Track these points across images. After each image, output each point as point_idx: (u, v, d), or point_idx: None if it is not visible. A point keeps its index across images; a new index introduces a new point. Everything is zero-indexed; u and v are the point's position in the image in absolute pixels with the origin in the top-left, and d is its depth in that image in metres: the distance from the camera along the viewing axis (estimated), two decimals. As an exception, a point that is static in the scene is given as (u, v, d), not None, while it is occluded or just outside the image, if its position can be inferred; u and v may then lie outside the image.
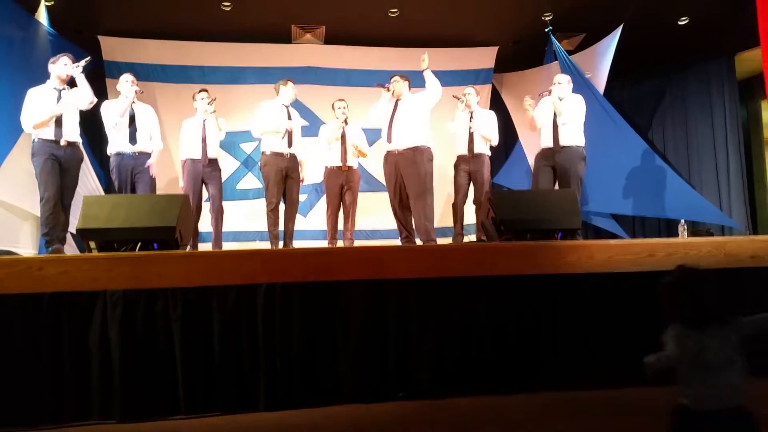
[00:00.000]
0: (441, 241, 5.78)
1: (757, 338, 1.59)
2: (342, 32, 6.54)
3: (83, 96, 4.40)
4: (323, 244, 5.49)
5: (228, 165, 6.46)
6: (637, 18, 5.87)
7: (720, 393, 1.55)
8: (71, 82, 4.43)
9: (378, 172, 6.45)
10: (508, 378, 2.68)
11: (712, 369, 1.55)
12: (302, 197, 5.87)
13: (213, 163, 5.15)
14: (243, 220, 6.42)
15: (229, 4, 5.77)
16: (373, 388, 2.59)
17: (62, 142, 4.30)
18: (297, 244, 5.22)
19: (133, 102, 4.81)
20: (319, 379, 2.58)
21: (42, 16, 5.44)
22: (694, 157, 7.34)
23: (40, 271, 2.44)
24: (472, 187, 5.34)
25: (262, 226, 5.67)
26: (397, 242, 5.23)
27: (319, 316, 2.61)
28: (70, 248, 4.85)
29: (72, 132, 4.39)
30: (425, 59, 4.80)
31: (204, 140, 5.08)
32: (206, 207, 5.24)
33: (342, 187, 5.28)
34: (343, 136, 5.28)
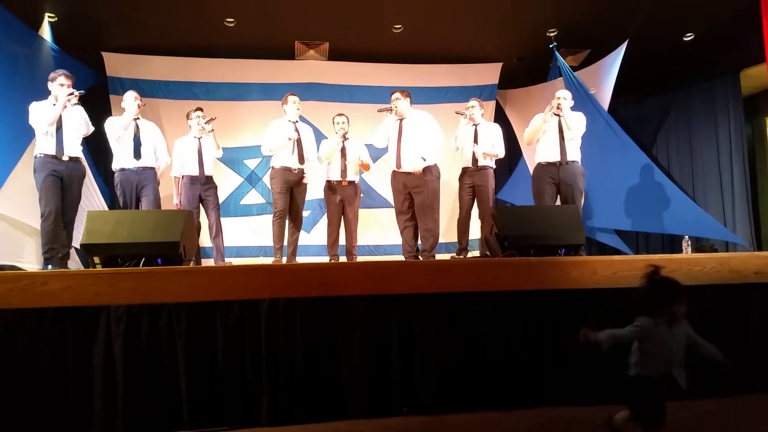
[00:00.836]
0: (444, 256, 5.77)
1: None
2: (346, 48, 6.59)
3: (80, 125, 4.43)
4: (326, 259, 5.49)
5: (232, 181, 6.49)
6: (642, 34, 5.90)
7: (658, 367, 2.06)
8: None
9: (381, 187, 6.47)
10: (512, 393, 2.66)
11: (660, 357, 2.06)
12: (305, 213, 5.88)
13: (209, 181, 5.23)
14: (247, 236, 6.44)
15: (232, 20, 5.83)
16: (375, 404, 2.58)
17: (64, 158, 4.31)
18: (300, 259, 5.23)
19: (137, 118, 4.86)
20: (322, 394, 2.57)
21: (45, 32, 5.50)
22: (698, 173, 7.34)
23: (44, 286, 2.44)
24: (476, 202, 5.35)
25: (266, 241, 5.69)
26: (401, 258, 5.22)
27: (322, 332, 2.60)
28: (74, 263, 4.86)
29: (73, 147, 4.41)
30: None
31: (201, 158, 5.15)
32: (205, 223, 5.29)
33: (342, 200, 5.30)
34: (342, 151, 5.31)
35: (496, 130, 5.37)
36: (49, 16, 5.49)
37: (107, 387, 2.44)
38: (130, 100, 4.85)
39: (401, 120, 4.93)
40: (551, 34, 6.26)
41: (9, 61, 5.00)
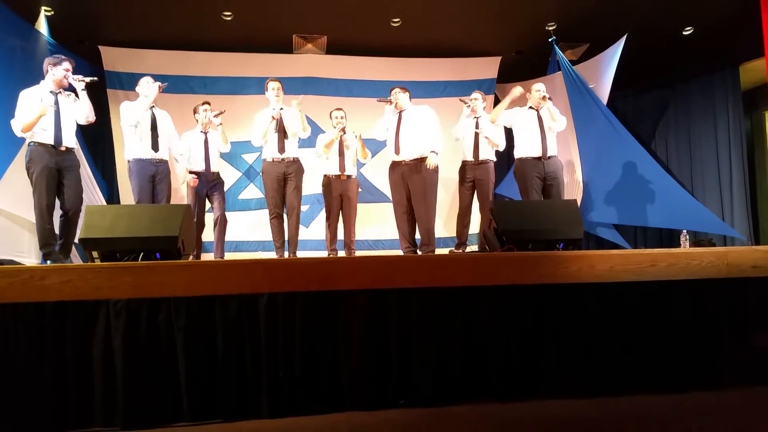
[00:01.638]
0: (443, 251, 5.78)
1: None
2: (344, 42, 6.58)
3: (83, 110, 4.31)
4: (325, 254, 5.49)
5: (230, 175, 6.49)
6: (642, 28, 5.89)
7: None
8: (72, 88, 4.36)
9: (380, 182, 6.47)
10: (510, 386, 2.68)
11: None
12: (304, 207, 5.88)
13: (216, 176, 5.17)
14: (245, 231, 6.44)
15: (230, 13, 5.81)
16: (374, 396, 2.59)
17: (61, 148, 4.20)
18: (299, 254, 5.23)
19: (152, 106, 4.76)
20: (321, 387, 2.58)
21: (42, 26, 5.47)
22: (697, 168, 7.34)
23: (43, 280, 2.44)
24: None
25: (264, 235, 5.68)
26: (399, 252, 5.23)
27: (321, 325, 2.61)
28: (74, 257, 4.86)
29: (70, 138, 4.29)
30: None
31: (207, 154, 5.09)
32: (209, 217, 5.27)
33: (340, 195, 5.30)
34: (340, 145, 5.30)
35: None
36: (45, 10, 5.47)
37: (106, 380, 2.44)
38: (148, 83, 4.72)
39: (401, 112, 4.93)
40: (550, 28, 6.26)
41: (6, 55, 4.98)
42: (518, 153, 5.10)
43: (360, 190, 5.67)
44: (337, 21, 6.09)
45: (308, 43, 6.62)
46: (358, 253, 5.63)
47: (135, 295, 2.49)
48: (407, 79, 6.32)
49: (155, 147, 4.71)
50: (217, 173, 5.22)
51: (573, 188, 6.30)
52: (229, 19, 5.90)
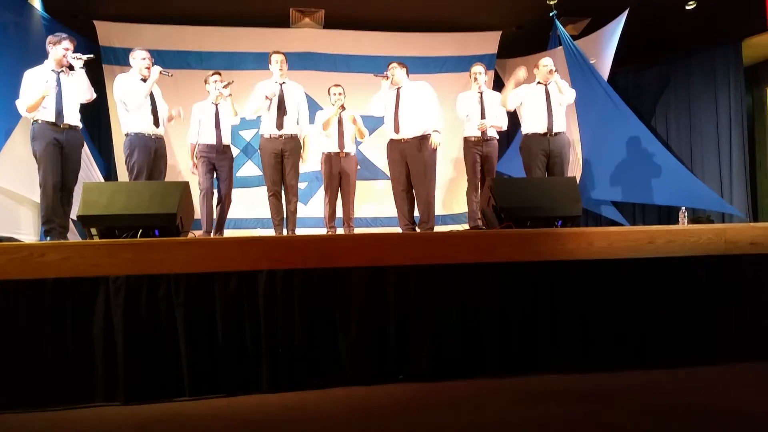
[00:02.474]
0: (442, 228, 5.78)
1: None
2: (342, 16, 6.49)
3: (82, 89, 4.30)
4: (324, 231, 5.49)
5: (227, 152, 6.45)
6: (644, 2, 5.81)
7: None
8: (70, 66, 4.31)
9: (378, 159, 6.45)
10: (507, 361, 2.70)
11: None
12: (302, 185, 5.86)
13: (226, 150, 5.11)
14: (244, 208, 6.43)
15: (227, -14, 5.72)
16: (373, 371, 2.62)
17: (63, 125, 4.21)
18: (297, 231, 5.22)
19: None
20: (321, 362, 2.61)
21: (36, 0, 5.40)
22: (697, 144, 7.30)
23: (42, 257, 2.45)
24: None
25: (263, 213, 5.67)
26: (398, 230, 5.24)
27: (320, 302, 2.63)
28: (72, 235, 4.86)
29: (73, 115, 4.30)
30: None
31: (218, 125, 5.03)
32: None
33: (339, 172, 5.28)
34: (339, 122, 5.26)
35: (499, 98, 5.33)
36: (38, -17, 5.40)
37: (107, 356, 2.46)
38: (143, 60, 4.61)
39: (399, 88, 4.88)
40: (551, 3, 6.17)
41: (0, 30, 4.92)
42: (525, 129, 5.10)
43: (359, 167, 5.65)
44: (335, -7, 6.02)
45: (306, 16, 6.53)
46: (357, 231, 5.64)
47: (134, 271, 2.50)
48: (406, 54, 6.25)
49: (156, 123, 4.68)
50: (228, 145, 5.15)
51: (573, 165, 6.29)
52: (225, -8, 5.82)
